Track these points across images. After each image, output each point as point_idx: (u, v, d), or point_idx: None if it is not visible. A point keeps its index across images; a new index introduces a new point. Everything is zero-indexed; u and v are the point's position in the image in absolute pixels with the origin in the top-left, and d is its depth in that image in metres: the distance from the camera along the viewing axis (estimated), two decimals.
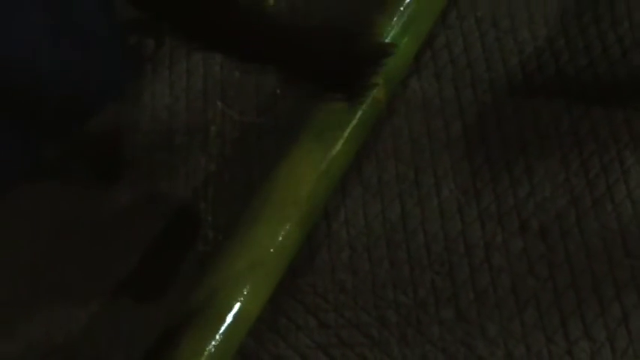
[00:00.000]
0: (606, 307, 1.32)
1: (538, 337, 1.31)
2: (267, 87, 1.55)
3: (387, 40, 1.41)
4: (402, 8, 1.43)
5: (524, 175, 1.46)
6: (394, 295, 1.37)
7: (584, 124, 1.50)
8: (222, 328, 1.23)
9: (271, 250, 1.30)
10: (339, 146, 1.37)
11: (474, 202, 1.44)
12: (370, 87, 1.28)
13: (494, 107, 1.54)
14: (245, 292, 1.25)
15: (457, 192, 1.47)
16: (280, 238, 1.30)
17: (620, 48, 1.56)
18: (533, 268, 1.36)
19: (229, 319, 1.23)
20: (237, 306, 1.25)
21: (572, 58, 1.57)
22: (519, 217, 1.42)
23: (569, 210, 1.42)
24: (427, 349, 1.31)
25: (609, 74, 1.55)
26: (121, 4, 1.21)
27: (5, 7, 1.12)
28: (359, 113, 1.38)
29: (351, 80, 1.26)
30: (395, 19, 1.45)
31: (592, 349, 1.29)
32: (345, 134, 1.36)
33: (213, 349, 1.22)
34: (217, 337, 1.22)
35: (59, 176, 1.49)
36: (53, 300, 1.44)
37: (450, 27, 1.61)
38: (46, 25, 1.19)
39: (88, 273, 1.43)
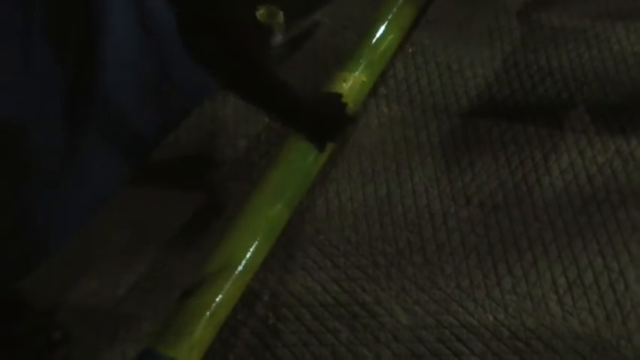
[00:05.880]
0: (522, 255, 1.47)
1: (477, 275, 1.45)
2: None
3: (352, 81, 1.62)
4: (360, 60, 1.68)
5: (468, 167, 1.63)
6: (383, 246, 1.51)
7: (508, 134, 1.68)
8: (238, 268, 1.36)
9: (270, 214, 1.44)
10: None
11: (435, 185, 1.60)
12: (337, 140, 1.48)
13: (448, 122, 1.71)
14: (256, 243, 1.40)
15: (424, 178, 1.63)
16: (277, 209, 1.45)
17: (531, 82, 1.78)
18: (475, 229, 1.52)
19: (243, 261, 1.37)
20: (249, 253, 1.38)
21: (500, 89, 1.78)
22: (465, 195, 1.58)
23: (498, 190, 1.58)
24: (405, 283, 1.45)
25: (524, 100, 1.75)
26: None
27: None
28: None
29: (326, 135, 1.45)
30: (357, 68, 1.66)
31: (513, 282, 1.44)
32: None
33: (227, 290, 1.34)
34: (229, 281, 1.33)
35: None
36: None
37: (418, 68, 1.83)
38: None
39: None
